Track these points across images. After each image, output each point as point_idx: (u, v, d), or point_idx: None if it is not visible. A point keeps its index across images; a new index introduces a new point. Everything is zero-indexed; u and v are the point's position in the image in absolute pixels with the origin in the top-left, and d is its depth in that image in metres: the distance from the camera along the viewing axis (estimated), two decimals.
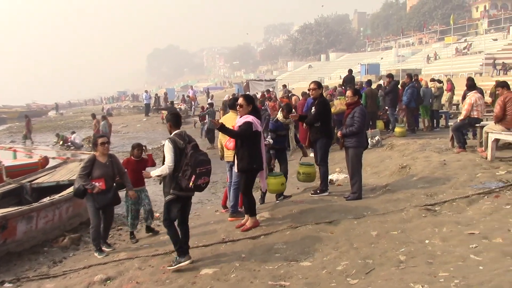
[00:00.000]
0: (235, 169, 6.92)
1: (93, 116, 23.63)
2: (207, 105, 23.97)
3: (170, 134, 5.84)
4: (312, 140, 8.35)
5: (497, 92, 9.66)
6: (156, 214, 9.00)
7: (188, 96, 36.61)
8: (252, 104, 6.76)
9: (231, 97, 16.59)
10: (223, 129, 6.50)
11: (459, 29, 68.23)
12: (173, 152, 5.57)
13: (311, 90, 8.24)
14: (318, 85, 8.30)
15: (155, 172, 5.82)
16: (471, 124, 10.56)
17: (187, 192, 5.64)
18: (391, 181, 8.97)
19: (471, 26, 71.61)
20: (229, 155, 7.54)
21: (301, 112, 14.14)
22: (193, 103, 34.58)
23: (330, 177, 10.10)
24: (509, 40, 52.14)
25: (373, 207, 7.13)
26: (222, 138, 7.69)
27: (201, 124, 20.82)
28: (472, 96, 10.33)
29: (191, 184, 5.45)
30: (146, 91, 38.23)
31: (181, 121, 6.14)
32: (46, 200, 8.78)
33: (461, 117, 10.46)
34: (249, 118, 6.56)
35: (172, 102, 31.51)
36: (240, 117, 6.76)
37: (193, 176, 5.44)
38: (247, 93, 24.63)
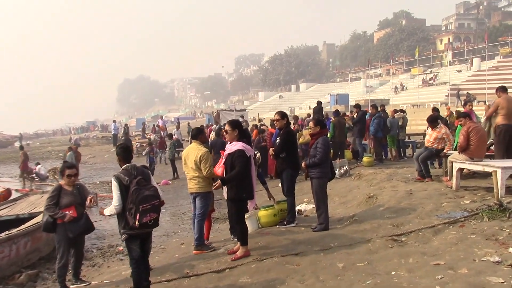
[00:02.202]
0: (223, 195, 6.82)
1: (21, 148, 24.08)
2: (160, 137, 24.15)
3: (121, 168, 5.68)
4: (279, 171, 8.31)
5: (459, 122, 9.81)
6: (120, 248, 8.74)
7: (157, 126, 36.35)
8: (237, 129, 6.70)
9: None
10: (226, 181, 6.46)
11: (425, 61, 70.11)
12: (119, 190, 5.38)
13: (275, 121, 8.25)
14: (282, 115, 8.23)
15: (106, 211, 5.64)
16: (437, 154, 10.71)
17: (136, 230, 5.40)
18: (358, 211, 8.95)
19: (436, 57, 73.70)
20: (191, 186, 7.40)
21: (269, 142, 14.18)
22: (162, 133, 34.32)
23: (298, 207, 10.04)
24: (472, 71, 53.77)
25: (340, 238, 7.06)
26: (186, 169, 7.55)
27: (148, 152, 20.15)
28: (442, 129, 10.50)
29: (136, 222, 5.24)
30: (114, 121, 37.81)
31: (131, 154, 5.95)
32: (2, 235, 8.41)
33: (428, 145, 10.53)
34: (239, 145, 6.49)
35: (127, 134, 31.43)
36: (230, 144, 6.69)
37: (138, 214, 5.23)
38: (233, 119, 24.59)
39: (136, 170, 5.61)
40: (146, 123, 40.71)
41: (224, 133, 6.83)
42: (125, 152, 5.80)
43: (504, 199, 7.62)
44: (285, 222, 8.25)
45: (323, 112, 20.54)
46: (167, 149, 19.40)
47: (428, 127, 11.16)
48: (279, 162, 8.21)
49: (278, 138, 8.20)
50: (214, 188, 6.64)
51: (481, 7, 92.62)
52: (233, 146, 6.52)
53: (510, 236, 6.11)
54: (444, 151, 10.34)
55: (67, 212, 6.54)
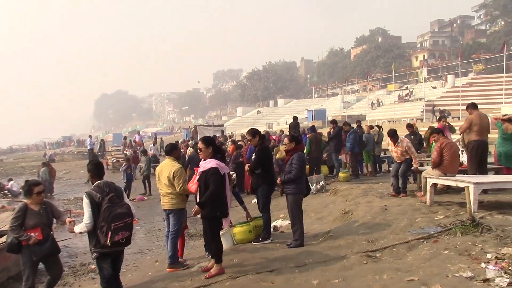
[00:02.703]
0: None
1: None
2: (134, 152, 23.96)
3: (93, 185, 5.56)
4: (254, 187, 8.28)
5: (433, 138, 9.93)
6: (92, 266, 8.56)
7: (134, 141, 36.00)
8: (211, 146, 6.63)
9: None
10: (202, 204, 6.34)
11: (401, 77, 71.28)
12: (90, 208, 5.25)
13: (248, 141, 8.28)
14: (253, 134, 8.26)
15: (76, 228, 5.50)
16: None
17: (107, 249, 5.27)
18: (334, 227, 8.93)
19: (412, 74, 75.02)
20: (165, 203, 7.31)
21: (245, 157, 14.18)
22: (138, 148, 34.02)
23: (273, 223, 10.00)
24: (447, 88, 54.79)
25: (315, 254, 7.02)
26: (159, 185, 7.45)
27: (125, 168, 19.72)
28: (403, 142, 10.66)
29: (108, 241, 5.12)
30: (90, 137, 37.26)
31: (103, 171, 5.81)
32: None
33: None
34: (213, 162, 6.41)
35: (91, 149, 31.18)
36: (203, 161, 6.60)
37: (109, 233, 5.11)
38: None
39: (109, 187, 5.50)
40: (126, 137, 40.10)
41: (198, 151, 6.76)
42: (97, 168, 5.69)
43: (476, 214, 7.69)
44: (260, 239, 8.19)
45: (299, 128, 20.59)
46: (144, 165, 19.13)
47: (388, 142, 11.26)
48: (255, 178, 8.19)
49: (253, 155, 8.16)
50: (193, 215, 6.53)
51: (454, 25, 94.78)
52: (207, 164, 6.45)
53: (482, 251, 6.15)
54: (414, 166, 10.45)
55: (32, 234, 6.10)
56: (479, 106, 11.00)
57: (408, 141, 10.92)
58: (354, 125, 17.04)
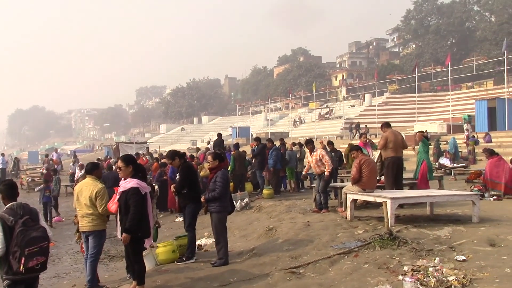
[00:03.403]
0: (117, 234, 6.41)
1: None
2: (46, 169, 22.82)
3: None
4: (182, 206, 8.23)
5: (352, 155, 10.29)
6: None
7: (51, 160, 34.39)
8: (131, 165, 6.44)
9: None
10: (129, 230, 6.12)
11: (321, 96, 73.62)
12: (2, 232, 4.88)
13: (170, 164, 8.28)
14: (172, 157, 8.31)
15: None
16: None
17: (20, 276, 4.91)
18: (258, 244, 8.95)
19: (332, 93, 77.66)
20: (84, 224, 7.01)
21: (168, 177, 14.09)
22: (56, 166, 32.55)
23: (198, 242, 9.86)
24: (364, 106, 57.20)
25: (239, 272, 7.00)
26: (78, 206, 7.14)
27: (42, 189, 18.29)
28: (317, 150, 11.16)
29: (21, 267, 4.80)
30: (2, 154, 35.10)
31: (17, 191, 5.42)
32: None
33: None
34: (133, 182, 6.21)
35: (4, 169, 29.33)
36: (123, 180, 6.39)
37: (23, 258, 4.78)
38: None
39: (23, 209, 5.14)
40: (48, 155, 38.03)
41: (118, 170, 6.56)
42: (9, 189, 5.32)
43: (394, 228, 8.02)
44: (184, 258, 8.06)
45: (224, 145, 20.66)
46: (53, 184, 18.07)
47: (308, 157, 11.62)
48: (182, 198, 8.13)
49: (177, 175, 8.07)
50: (123, 242, 6.30)
51: (371, 46, 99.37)
52: (127, 184, 6.26)
53: (399, 264, 6.41)
54: (326, 173, 10.78)
55: None
56: (394, 124, 11.67)
57: (323, 150, 11.28)
58: (277, 143, 17.33)
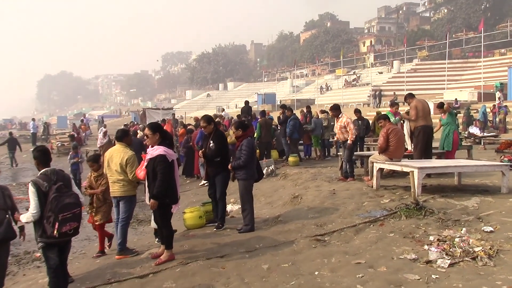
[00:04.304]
0: (145, 200, 6.52)
1: None
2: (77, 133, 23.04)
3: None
4: (212, 175, 8.13)
5: (379, 124, 10.19)
6: (36, 254, 8.31)
7: (80, 126, 34.90)
8: (158, 133, 6.50)
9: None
10: (156, 197, 6.24)
11: (349, 62, 72.51)
12: (37, 197, 5.06)
13: (203, 128, 8.17)
14: (208, 121, 8.07)
15: (23, 217, 5.31)
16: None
17: (54, 239, 5.12)
18: (283, 211, 9.04)
19: (359, 59, 76.38)
20: (115, 189, 7.16)
21: (193, 143, 14.17)
22: (85, 133, 33.12)
23: None
24: (392, 73, 56.17)
25: (265, 239, 7.09)
26: (109, 172, 7.28)
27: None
28: (343, 117, 11.04)
29: (55, 232, 4.98)
30: (33, 120, 35.88)
31: (50, 157, 5.56)
32: None
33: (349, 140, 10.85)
34: (160, 149, 6.30)
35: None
36: (151, 147, 6.49)
37: (56, 223, 4.96)
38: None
39: (56, 175, 5.29)
40: (84, 119, 38.43)
41: (145, 137, 6.65)
42: (43, 155, 5.46)
43: (420, 198, 7.99)
44: (214, 229, 8.04)
45: (252, 112, 20.62)
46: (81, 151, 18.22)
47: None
48: (213, 166, 8.03)
49: (211, 142, 7.94)
50: (151, 208, 6.44)
51: (400, 11, 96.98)
52: (154, 151, 6.34)
53: (425, 234, 6.41)
54: (349, 141, 10.73)
55: None
56: (423, 92, 11.65)
57: (349, 117, 11.17)
58: (304, 109, 17.20)
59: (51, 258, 5.27)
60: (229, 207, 10.40)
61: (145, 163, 6.48)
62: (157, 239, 7.70)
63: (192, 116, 42.74)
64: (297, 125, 15.31)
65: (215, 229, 8.01)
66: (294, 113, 15.95)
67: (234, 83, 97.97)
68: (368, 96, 44.95)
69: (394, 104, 14.76)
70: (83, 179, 17.45)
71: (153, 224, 7.22)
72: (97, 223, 7.70)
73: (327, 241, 6.72)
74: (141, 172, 6.61)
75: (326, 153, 16.73)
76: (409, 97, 11.15)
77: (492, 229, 6.39)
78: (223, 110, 28.25)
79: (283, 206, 9.68)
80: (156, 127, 6.65)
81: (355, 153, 11.64)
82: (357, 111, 15.17)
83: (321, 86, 60.98)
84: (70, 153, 16.42)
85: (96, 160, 7.93)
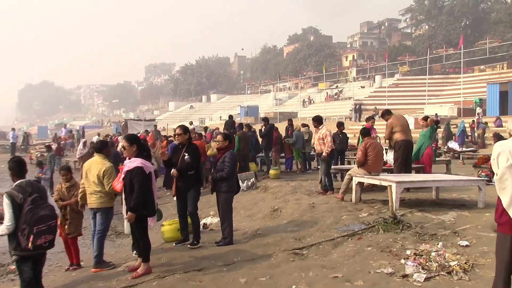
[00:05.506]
0: (123, 214, 6.45)
1: None
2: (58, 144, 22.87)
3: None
4: (183, 189, 7.75)
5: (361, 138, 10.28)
6: (11, 267, 8.16)
7: (60, 137, 34.51)
8: (135, 144, 6.47)
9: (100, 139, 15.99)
10: (133, 209, 6.18)
11: (331, 76, 73.16)
12: (11, 209, 4.97)
13: (176, 136, 7.94)
14: (185, 130, 7.85)
15: None
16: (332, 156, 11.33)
17: (28, 252, 5.02)
18: (263, 224, 9.03)
19: (342, 73, 77.07)
20: (92, 201, 7.09)
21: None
22: (66, 142, 32.78)
23: (203, 220, 9.99)
24: (374, 88, 56.72)
25: (243, 252, 7.06)
26: (86, 183, 7.22)
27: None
28: (322, 129, 11.13)
29: (29, 245, 4.90)
30: (13, 129, 35.41)
31: (25, 168, 5.48)
32: None
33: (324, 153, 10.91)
34: (137, 161, 6.26)
35: (14, 143, 28.89)
36: (128, 159, 6.44)
37: (31, 236, 4.89)
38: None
39: (32, 186, 5.21)
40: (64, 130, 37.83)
41: (122, 149, 6.60)
42: (18, 166, 5.39)
43: (398, 212, 8.05)
44: (188, 246, 7.69)
45: (235, 126, 20.65)
46: (47, 162, 18.14)
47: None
48: (186, 180, 7.67)
49: (186, 154, 7.59)
50: (129, 221, 6.37)
51: (382, 27, 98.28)
52: (131, 163, 6.30)
53: (402, 248, 6.45)
54: (324, 153, 10.81)
55: None
56: (403, 106, 11.75)
57: (328, 129, 11.23)
58: (286, 123, 17.34)
59: (25, 271, 5.18)
60: (208, 220, 10.38)
61: (122, 175, 6.43)
62: (134, 251, 7.61)
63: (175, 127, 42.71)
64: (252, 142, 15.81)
65: (189, 246, 7.65)
66: (253, 130, 16.82)
67: (217, 95, 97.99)
68: (350, 110, 45.30)
69: (369, 118, 14.91)
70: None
71: (127, 230, 7.15)
72: (70, 236, 7.59)
73: (305, 254, 6.73)
74: (118, 184, 6.56)
75: (307, 166, 16.79)
76: (386, 114, 11.29)
77: (468, 244, 6.47)
78: (191, 123, 28.20)
79: (263, 219, 9.67)
80: (133, 139, 6.62)
81: (333, 166, 11.71)
82: (340, 125, 15.06)
83: (303, 100, 61.31)
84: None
85: (69, 170, 7.85)
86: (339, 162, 13.96)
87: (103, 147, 7.53)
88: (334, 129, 13.86)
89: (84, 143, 21.56)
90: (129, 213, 6.22)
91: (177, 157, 7.74)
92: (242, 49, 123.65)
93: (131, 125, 34.70)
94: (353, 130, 20.04)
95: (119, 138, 25.47)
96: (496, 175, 4.04)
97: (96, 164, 7.17)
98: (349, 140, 15.42)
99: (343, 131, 14.55)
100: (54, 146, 27.67)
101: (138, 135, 21.38)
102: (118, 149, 17.32)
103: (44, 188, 5.51)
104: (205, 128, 23.22)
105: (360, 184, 9.69)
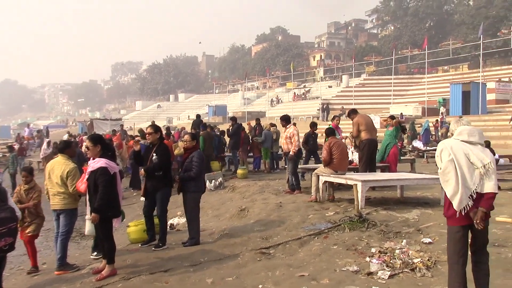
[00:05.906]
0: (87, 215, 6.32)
1: None
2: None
3: None
4: (152, 190, 7.63)
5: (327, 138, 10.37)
6: None
7: (23, 137, 33.70)
8: (100, 144, 6.36)
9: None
10: (97, 210, 6.07)
11: (299, 76, 73.65)
12: None
13: (147, 135, 7.82)
14: (156, 129, 7.75)
15: None
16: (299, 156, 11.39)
17: None
18: (230, 224, 9.02)
19: (309, 73, 77.69)
20: (55, 202, 6.94)
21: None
22: (29, 142, 32.02)
23: (170, 221, 9.88)
24: (341, 87, 57.39)
25: (210, 252, 7.03)
26: (49, 184, 7.06)
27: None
28: (290, 128, 11.19)
29: None
30: None
31: None
32: None
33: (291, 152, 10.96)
34: (102, 162, 6.15)
35: None
36: (92, 160, 6.32)
37: None
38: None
39: None
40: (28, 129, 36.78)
41: (86, 149, 6.47)
42: None
43: (364, 211, 8.17)
44: (153, 248, 7.51)
45: (203, 125, 20.60)
46: (9, 162, 17.78)
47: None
48: (154, 181, 7.55)
49: (154, 154, 7.49)
50: (92, 222, 6.25)
51: (349, 27, 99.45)
52: (95, 164, 6.19)
53: (367, 246, 6.55)
54: (290, 153, 10.87)
55: None
56: (370, 106, 11.92)
57: (296, 129, 11.28)
58: (254, 122, 17.38)
59: None
60: (175, 220, 10.29)
61: (86, 176, 6.32)
62: (95, 253, 7.48)
63: (142, 127, 42.24)
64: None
65: (153, 249, 7.49)
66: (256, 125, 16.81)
67: (185, 94, 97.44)
68: (317, 110, 45.69)
69: (335, 117, 15.06)
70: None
71: (88, 232, 7.03)
72: (29, 234, 7.36)
73: (272, 254, 6.75)
74: (82, 185, 6.44)
75: (275, 166, 16.84)
76: (352, 113, 11.43)
77: (430, 241, 6.61)
78: (153, 122, 27.96)
79: (230, 219, 9.65)
80: (97, 139, 6.50)
81: (300, 166, 11.78)
82: (313, 125, 14.86)
83: (272, 99, 61.55)
84: None
85: (30, 172, 7.65)
86: (314, 162, 13.91)
87: (66, 147, 7.37)
88: (302, 129, 13.92)
89: (48, 143, 21.15)
90: (93, 214, 6.12)
91: (147, 156, 7.65)
92: (200, 43, 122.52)
93: (97, 125, 34.17)
94: (320, 130, 20.14)
95: (84, 137, 25.06)
96: (440, 169, 4.32)
97: (59, 165, 7.01)
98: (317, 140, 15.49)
99: (315, 131, 14.61)
100: (16, 146, 27.01)
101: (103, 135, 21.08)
102: (83, 149, 17.03)
103: (5, 190, 5.38)
104: (167, 129, 23.08)
105: (328, 183, 9.77)
